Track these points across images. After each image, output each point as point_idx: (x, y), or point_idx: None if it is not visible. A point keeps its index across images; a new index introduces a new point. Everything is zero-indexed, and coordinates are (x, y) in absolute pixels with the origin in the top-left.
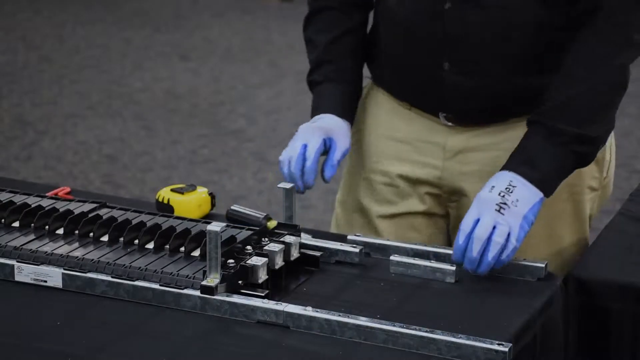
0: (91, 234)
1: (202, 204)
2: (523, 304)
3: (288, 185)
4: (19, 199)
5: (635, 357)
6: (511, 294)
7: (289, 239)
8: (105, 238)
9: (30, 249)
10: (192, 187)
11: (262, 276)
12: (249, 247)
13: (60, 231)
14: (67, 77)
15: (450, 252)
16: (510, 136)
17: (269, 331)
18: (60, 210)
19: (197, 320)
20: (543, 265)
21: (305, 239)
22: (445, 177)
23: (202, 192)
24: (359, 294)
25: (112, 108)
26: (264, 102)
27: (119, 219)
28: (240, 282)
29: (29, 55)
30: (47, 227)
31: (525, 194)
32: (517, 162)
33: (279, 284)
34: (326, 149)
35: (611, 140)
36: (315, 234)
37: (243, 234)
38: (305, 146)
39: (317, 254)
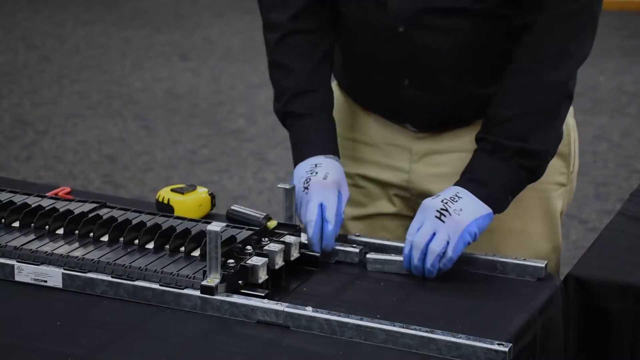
0: (91, 234)
1: (202, 204)
2: (523, 304)
3: (288, 185)
4: (19, 199)
5: (635, 357)
6: (511, 294)
7: (289, 239)
8: (105, 238)
9: (30, 249)
10: (192, 187)
11: (262, 276)
12: (249, 247)
13: (60, 231)
14: (67, 77)
15: None
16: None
17: (269, 331)
18: (60, 210)
19: (197, 320)
20: (543, 265)
21: (305, 239)
22: (413, 180)
23: (202, 192)
24: (359, 294)
25: (112, 108)
26: (264, 102)
27: (119, 219)
28: (240, 282)
29: (29, 55)
30: (47, 227)
31: (470, 205)
32: (465, 180)
33: (279, 284)
34: None
35: (574, 135)
36: None
37: (243, 234)
38: (321, 206)
39: (317, 254)
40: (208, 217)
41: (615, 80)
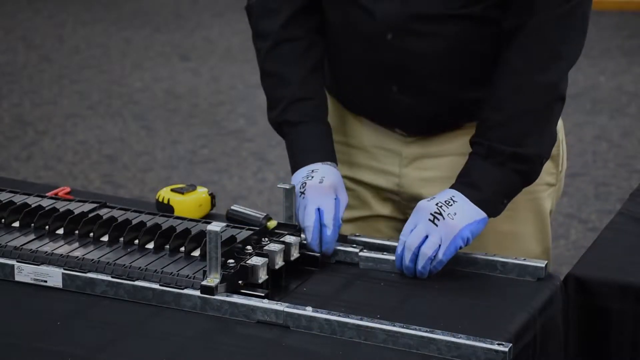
0: (91, 234)
1: (202, 204)
2: (523, 304)
3: (288, 185)
4: (19, 199)
5: (635, 357)
6: (511, 294)
7: (289, 239)
8: (105, 238)
9: (30, 249)
10: (192, 187)
11: (262, 276)
12: (249, 247)
13: (60, 231)
14: (67, 77)
15: None
16: (466, 141)
17: (269, 331)
18: (60, 210)
19: (197, 320)
20: (543, 265)
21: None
22: (404, 184)
23: (202, 192)
24: (359, 294)
25: (112, 108)
26: (264, 102)
27: (119, 219)
28: (240, 282)
29: (29, 55)
30: (47, 227)
31: (465, 210)
32: (460, 183)
33: (279, 284)
34: None
35: (562, 135)
36: None
37: (243, 234)
38: (318, 211)
39: (317, 254)
40: (208, 217)
41: (615, 80)
